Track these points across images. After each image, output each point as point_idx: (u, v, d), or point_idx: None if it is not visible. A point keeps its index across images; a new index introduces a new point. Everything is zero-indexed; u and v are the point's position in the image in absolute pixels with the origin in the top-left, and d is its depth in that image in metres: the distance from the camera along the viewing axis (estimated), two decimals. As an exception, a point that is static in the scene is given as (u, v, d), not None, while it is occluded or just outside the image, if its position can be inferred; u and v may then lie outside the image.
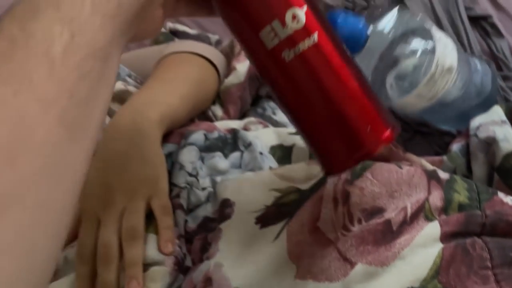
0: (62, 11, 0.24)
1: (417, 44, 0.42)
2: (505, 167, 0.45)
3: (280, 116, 0.66)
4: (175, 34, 0.82)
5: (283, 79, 0.31)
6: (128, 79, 0.61)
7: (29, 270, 0.23)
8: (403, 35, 0.42)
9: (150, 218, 0.43)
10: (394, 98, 0.44)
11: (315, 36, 0.29)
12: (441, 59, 0.41)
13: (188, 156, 0.47)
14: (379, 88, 0.44)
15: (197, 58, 0.61)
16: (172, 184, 0.46)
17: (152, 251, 0.41)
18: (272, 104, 0.67)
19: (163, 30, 0.82)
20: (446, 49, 0.42)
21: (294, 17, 0.29)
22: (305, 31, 0.29)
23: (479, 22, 0.64)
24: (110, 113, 0.54)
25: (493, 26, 0.63)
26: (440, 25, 0.63)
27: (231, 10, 0.31)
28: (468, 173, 0.49)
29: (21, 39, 0.23)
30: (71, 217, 0.26)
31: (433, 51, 0.42)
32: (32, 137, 0.22)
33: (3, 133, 0.22)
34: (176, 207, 0.44)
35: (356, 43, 0.39)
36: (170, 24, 0.83)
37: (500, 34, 0.63)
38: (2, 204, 0.21)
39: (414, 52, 0.42)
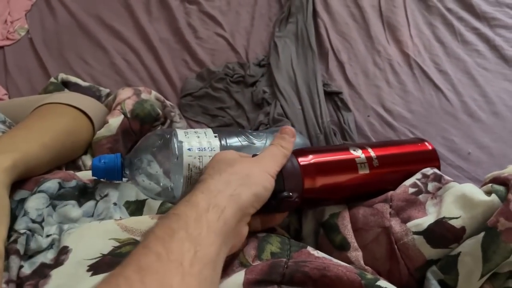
0: (189, 232, 0.34)
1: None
2: (330, 223, 0.52)
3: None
4: (66, 85, 0.82)
5: (367, 182, 0.52)
6: (0, 126, 0.62)
7: None
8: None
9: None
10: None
11: (376, 159, 0.53)
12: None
13: (35, 203, 0.48)
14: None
15: (71, 109, 0.63)
16: (12, 230, 0.46)
17: (-26, 296, 0.41)
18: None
19: (53, 80, 0.81)
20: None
21: (366, 153, 0.53)
22: (370, 157, 0.53)
23: (333, 97, 0.74)
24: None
25: (343, 101, 0.73)
26: (299, 96, 0.71)
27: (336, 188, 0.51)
28: (299, 227, 0.54)
29: (164, 255, 0.32)
30: None
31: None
32: None
33: None
34: (11, 252, 0.44)
35: (116, 173, 0.54)
36: (63, 75, 0.82)
37: (348, 109, 0.72)
38: None
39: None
